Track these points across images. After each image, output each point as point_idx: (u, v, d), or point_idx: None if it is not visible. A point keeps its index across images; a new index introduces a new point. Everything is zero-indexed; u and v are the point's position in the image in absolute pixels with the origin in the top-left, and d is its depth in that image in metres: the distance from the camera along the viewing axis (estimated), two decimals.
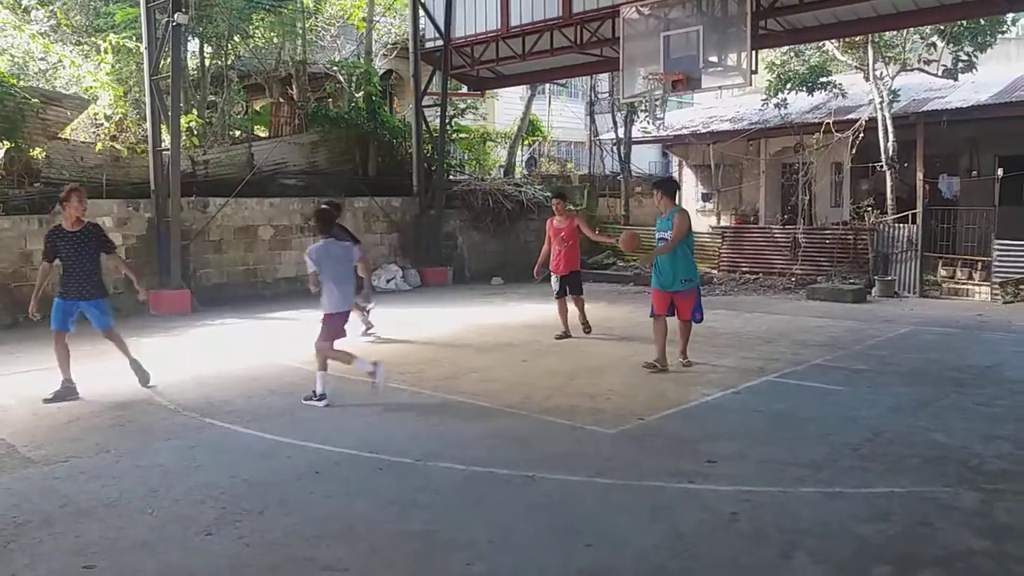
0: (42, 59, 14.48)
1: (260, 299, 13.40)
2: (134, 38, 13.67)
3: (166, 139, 12.28)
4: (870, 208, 16.68)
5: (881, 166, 15.98)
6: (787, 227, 17.17)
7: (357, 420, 6.29)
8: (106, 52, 13.59)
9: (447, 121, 17.17)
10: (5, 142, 11.78)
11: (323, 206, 7.94)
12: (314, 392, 6.72)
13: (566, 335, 9.72)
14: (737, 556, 3.76)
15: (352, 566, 3.70)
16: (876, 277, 14.32)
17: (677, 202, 8.08)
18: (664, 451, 5.33)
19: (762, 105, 19.24)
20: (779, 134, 19.26)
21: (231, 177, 13.83)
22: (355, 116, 16.58)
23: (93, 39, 14.98)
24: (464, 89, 19.57)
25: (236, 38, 16.62)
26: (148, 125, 12.63)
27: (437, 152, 16.74)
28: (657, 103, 12.34)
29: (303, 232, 14.45)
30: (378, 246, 15.69)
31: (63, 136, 12.95)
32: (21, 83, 12.66)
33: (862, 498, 4.44)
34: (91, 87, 13.63)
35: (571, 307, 9.96)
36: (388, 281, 15.28)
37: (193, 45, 16.06)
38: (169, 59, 12.22)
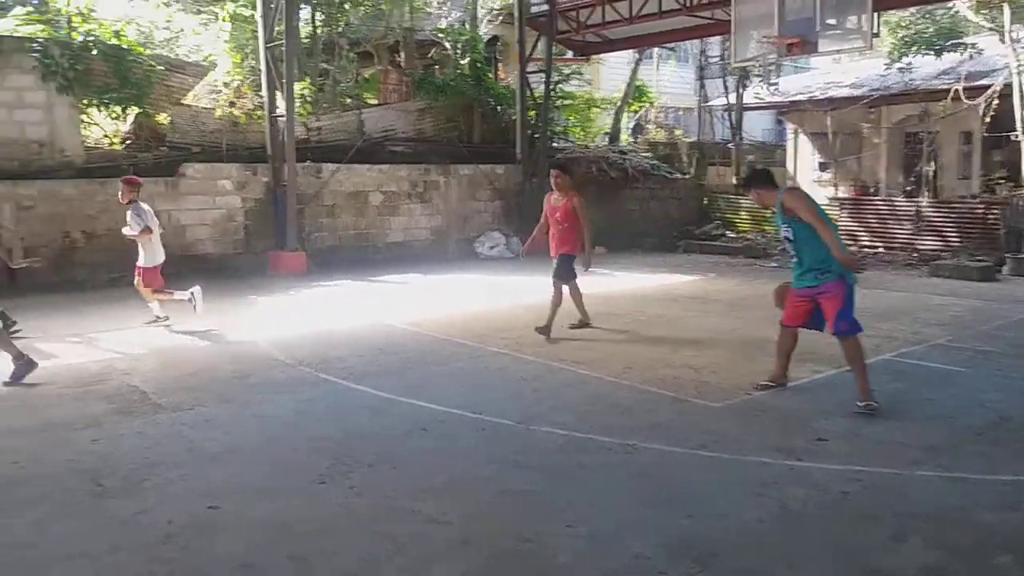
0: (166, 28, 15.20)
1: (370, 262, 13.78)
2: (250, 6, 14.15)
3: (281, 105, 12.72)
4: (1003, 180, 15.61)
5: (1016, 136, 14.89)
6: (910, 199, 16.30)
7: (462, 381, 6.42)
8: (224, 20, 14.13)
9: (551, 87, 17.05)
10: (134, 108, 12.49)
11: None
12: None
13: (583, 324, 8.28)
14: (846, 536, 3.65)
15: (455, 520, 3.81)
16: (1007, 254, 13.42)
17: (781, 187, 6.08)
18: (771, 427, 5.21)
19: (885, 70, 18.23)
20: (903, 101, 18.22)
21: (342, 143, 14.22)
22: (460, 83, 16.69)
23: (212, 8, 15.62)
24: (569, 55, 19.38)
25: (346, 6, 16.96)
26: (264, 92, 13.10)
27: (541, 119, 16.67)
28: (770, 68, 11.83)
29: (410, 198, 14.74)
30: (481, 213, 15.83)
31: (185, 102, 13.60)
32: (147, 51, 13.35)
33: (985, 484, 4.22)
34: (210, 55, 14.22)
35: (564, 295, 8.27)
36: (491, 248, 15.42)
37: (306, 13, 16.50)
38: (283, 27, 12.62)
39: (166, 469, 4.51)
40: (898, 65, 17.48)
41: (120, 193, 8.62)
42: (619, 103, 21.43)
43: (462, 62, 17.55)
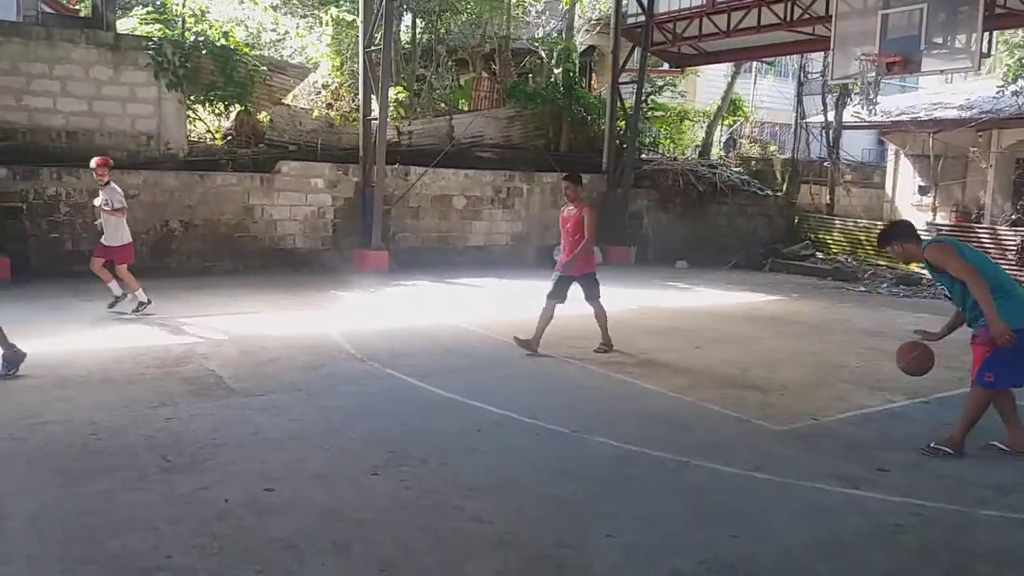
0: (273, 30, 15.88)
1: (450, 264, 14.01)
2: (353, 12, 14.64)
3: (375, 109, 13.10)
4: None
5: None
6: (1016, 227, 15.45)
7: (523, 386, 6.48)
8: (327, 24, 14.66)
9: (643, 98, 16.95)
10: (236, 105, 13.10)
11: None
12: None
13: (527, 345, 7.54)
14: (895, 569, 3.53)
15: (497, 520, 3.87)
16: None
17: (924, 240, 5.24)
18: (833, 454, 5.06)
19: (998, 92, 17.34)
20: (1016, 125, 17.29)
21: (432, 147, 14.53)
22: (551, 92, 16.79)
23: (316, 12, 16.23)
24: (665, 66, 19.22)
25: (446, 13, 17.33)
26: (360, 95, 13.52)
27: (630, 129, 16.60)
28: (870, 85, 11.45)
29: (493, 204, 14.92)
30: None
31: (285, 102, 14.17)
32: (253, 52, 13.99)
33: None
34: (312, 57, 14.77)
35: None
36: None
37: (406, 20, 16.95)
38: (382, 32, 13.00)
39: (230, 450, 4.73)
40: (1012, 88, 16.59)
41: (96, 173, 8.73)
42: (712, 116, 21.11)
43: (555, 71, 17.66)
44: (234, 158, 12.56)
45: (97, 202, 8.87)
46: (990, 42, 12.58)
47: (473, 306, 10.37)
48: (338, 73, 14.89)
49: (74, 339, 7.51)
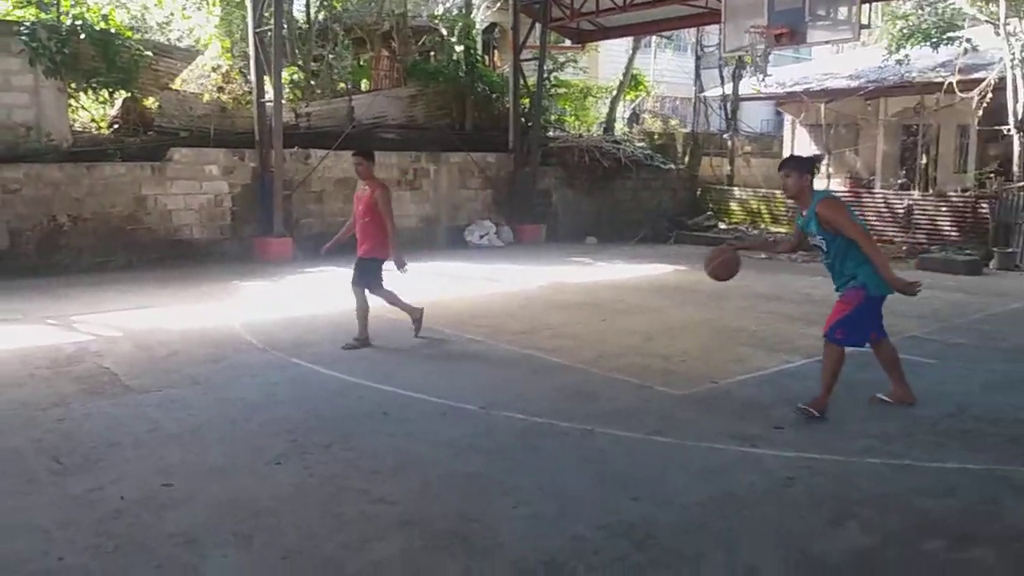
0: (158, 10, 15.18)
1: (430, 246, 13.74)
2: None
3: (269, 91, 12.73)
4: (993, 175, 15.57)
5: (1008, 130, 14.86)
6: (901, 193, 16.27)
7: (430, 367, 6.47)
8: (214, 4, 14.11)
9: (546, 75, 17.02)
10: (121, 92, 12.50)
11: None
12: None
13: (358, 343, 7.04)
14: (785, 520, 3.70)
15: (402, 500, 3.87)
16: (995, 249, 13.43)
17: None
18: (731, 415, 5.25)
19: (882, 62, 18.16)
20: (900, 93, 18.17)
21: (332, 130, 14.22)
22: (453, 70, 16.67)
23: None
24: (567, 43, 19.32)
25: None
26: (252, 77, 13.10)
27: (534, 107, 16.66)
28: (761, 58, 11.81)
29: (399, 186, 14.73)
30: (472, 202, 15.84)
31: (174, 87, 13.61)
32: (139, 36, 13.35)
33: (931, 472, 4.26)
34: (201, 39, 14.21)
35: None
36: (481, 237, 15.44)
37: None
38: (273, 11, 12.61)
39: (126, 448, 4.56)
40: (895, 57, 17.40)
41: None
42: (615, 92, 21.39)
43: (456, 49, 17.52)
44: (122, 147, 11.99)
45: None
46: (871, 14, 13.12)
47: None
48: (228, 55, 14.37)
49: None
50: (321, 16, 16.77)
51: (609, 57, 24.60)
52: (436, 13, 19.08)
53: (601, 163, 17.31)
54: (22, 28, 11.45)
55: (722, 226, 18.02)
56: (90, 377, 6.02)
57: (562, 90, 19.90)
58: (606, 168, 17.41)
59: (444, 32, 18.17)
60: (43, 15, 12.63)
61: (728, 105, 21.26)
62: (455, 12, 19.21)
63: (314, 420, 5.07)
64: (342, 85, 16.80)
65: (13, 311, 8.39)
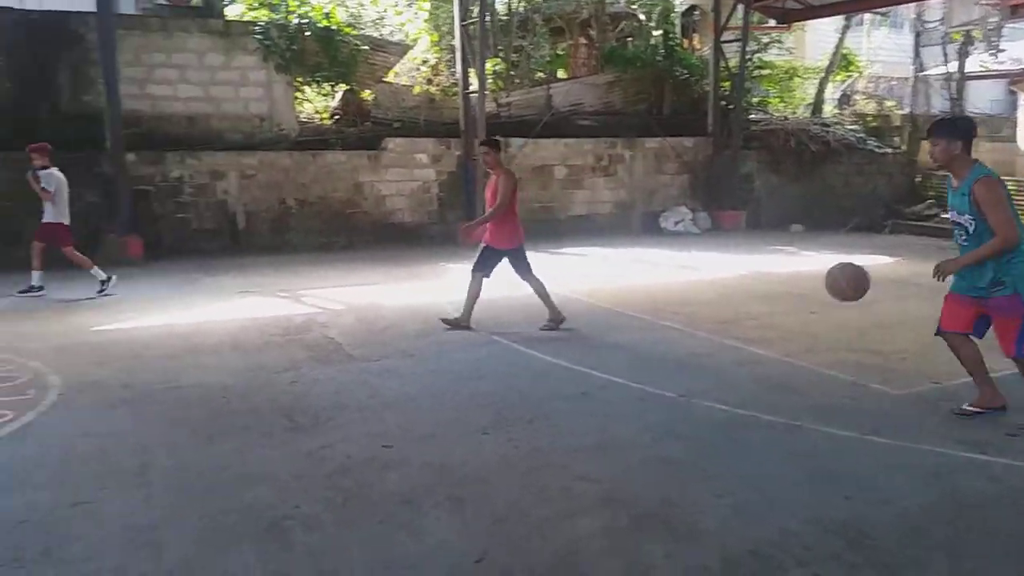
0: (373, 7, 16.20)
1: (552, 234, 14.01)
2: None
3: (474, 82, 13.22)
4: None
5: None
6: None
7: (628, 352, 6.48)
8: (423, 0, 14.84)
9: (748, 57, 16.38)
10: (341, 85, 13.49)
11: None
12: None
13: (456, 323, 7.16)
14: (1017, 530, 3.38)
15: (603, 479, 3.93)
16: None
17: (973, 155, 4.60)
18: (957, 418, 4.85)
19: None
20: None
21: (531, 118, 14.54)
22: (650, 55, 16.45)
23: None
24: (771, 23, 18.47)
25: None
26: (458, 69, 13.66)
27: (736, 90, 16.09)
28: (989, 31, 10.61)
29: (595, 172, 14.82)
30: (668, 187, 15.61)
31: (387, 79, 14.48)
32: (354, 32, 14.33)
33: None
34: (411, 34, 15.01)
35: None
36: (677, 223, 15.18)
37: None
38: (478, 5, 13.06)
39: (350, 411, 4.98)
40: None
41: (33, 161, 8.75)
42: (824, 72, 20.17)
43: (654, 33, 17.28)
44: (342, 137, 12.97)
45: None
46: None
47: (576, 274, 10.40)
48: (437, 49, 15.08)
49: (204, 311, 8.03)
50: (521, 7, 17.15)
51: (817, 36, 23.17)
52: None
53: (808, 147, 16.43)
54: (257, 28, 12.67)
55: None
56: (317, 346, 6.61)
57: (765, 71, 19.04)
58: (814, 152, 16.50)
59: (642, 17, 17.99)
60: (273, 16, 13.87)
61: (953, 85, 19.41)
62: None
63: (516, 396, 5.26)
64: (540, 74, 17.11)
65: (252, 285, 9.36)
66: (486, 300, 8.25)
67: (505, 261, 7.20)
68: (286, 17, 13.39)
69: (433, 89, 14.10)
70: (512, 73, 15.82)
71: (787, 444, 4.45)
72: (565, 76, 17.44)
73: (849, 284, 5.29)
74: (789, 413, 4.90)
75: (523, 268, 7.20)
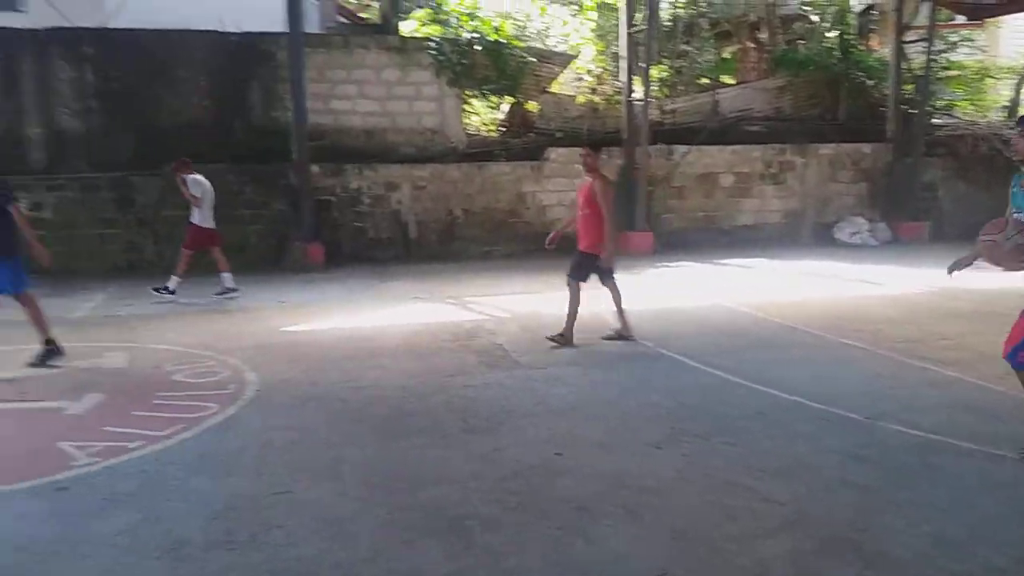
0: (540, 20, 16.49)
1: (716, 245, 13.70)
2: None
3: (638, 90, 13.13)
4: None
5: None
6: None
7: (805, 370, 6.19)
8: (589, 10, 14.93)
9: (933, 57, 15.27)
10: (508, 97, 13.80)
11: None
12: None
13: (561, 340, 6.95)
14: None
15: (787, 500, 3.78)
16: None
17: None
18: None
19: None
20: None
21: (695, 125, 14.26)
22: (825, 57, 15.70)
23: None
24: (959, 19, 17.14)
25: None
26: (622, 77, 13.62)
27: (919, 92, 15.04)
28: None
29: (763, 180, 14.32)
30: (843, 196, 14.80)
31: (552, 90, 14.66)
32: (521, 44, 14.63)
33: None
34: (575, 44, 15.14)
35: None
36: (853, 235, 14.37)
37: None
38: (645, 12, 12.98)
39: (519, 417, 5.08)
40: None
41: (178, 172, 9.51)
42: (1021, 73, 18.47)
43: (829, 35, 16.48)
44: (507, 148, 13.26)
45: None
46: None
47: (744, 287, 10.08)
48: (601, 58, 15.11)
49: (380, 316, 8.45)
50: (686, 12, 16.88)
51: (1014, 32, 21.25)
52: None
53: (1003, 152, 15.08)
54: (431, 44, 13.20)
55: None
56: (486, 351, 6.79)
57: (953, 72, 17.68)
58: (1008, 158, 15.12)
59: (815, 19, 17.21)
60: (443, 31, 14.40)
61: None
62: None
63: (687, 411, 5.17)
64: (705, 80, 16.75)
65: (423, 291, 9.76)
66: (651, 312, 8.17)
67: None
68: (457, 32, 13.88)
69: (597, 98, 14.14)
70: (676, 79, 15.58)
71: (988, 474, 4.11)
72: (732, 81, 16.97)
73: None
74: (989, 441, 4.52)
75: (607, 274, 7.10)
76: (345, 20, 15.90)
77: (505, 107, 14.02)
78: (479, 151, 13.30)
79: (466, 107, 14.00)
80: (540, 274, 10.95)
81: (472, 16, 14.33)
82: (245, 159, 12.11)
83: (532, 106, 14.03)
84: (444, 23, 14.44)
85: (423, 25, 14.89)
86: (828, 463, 4.26)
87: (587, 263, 7.02)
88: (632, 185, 13.18)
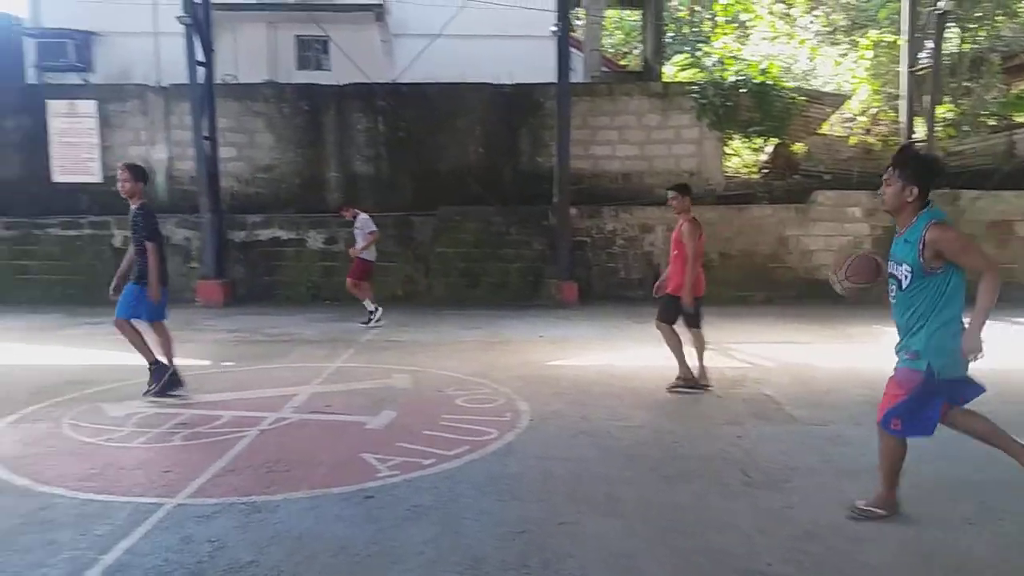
0: (806, 60, 15.89)
1: (1012, 300, 12.11)
2: (892, 32, 13.87)
3: (919, 130, 12.17)
4: None
5: None
6: None
7: None
8: (865, 48, 14.15)
9: None
10: (773, 138, 13.39)
11: None
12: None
13: (683, 383, 6.83)
14: None
15: None
16: None
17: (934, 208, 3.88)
18: None
19: None
20: None
21: (986, 168, 12.90)
22: None
23: (852, 37, 15.75)
24: None
25: (999, 17, 15.33)
26: (902, 117, 12.70)
27: None
28: None
29: None
30: None
31: (821, 132, 14.02)
32: (787, 85, 14.16)
33: None
34: (846, 83, 14.39)
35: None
36: None
37: (952, 31, 15.43)
38: (927, 50, 12.06)
39: (802, 474, 4.81)
40: None
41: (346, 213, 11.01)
42: None
43: None
44: (769, 190, 12.84)
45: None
46: None
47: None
48: (876, 98, 14.23)
49: (636, 355, 8.48)
50: (971, 47, 15.43)
51: None
52: None
53: None
54: (694, 88, 13.20)
55: None
56: (754, 401, 6.54)
57: None
58: None
59: None
60: (703, 74, 14.34)
61: None
62: None
63: (1001, 486, 4.60)
64: (992, 120, 15.15)
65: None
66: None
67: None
68: (721, 75, 13.77)
69: (871, 139, 13.30)
70: (960, 119, 14.24)
71: None
72: None
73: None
74: None
75: (694, 319, 6.94)
76: (607, 69, 16.37)
77: (769, 149, 13.62)
78: (738, 193, 13.00)
79: (725, 148, 13.79)
80: (804, 323, 10.45)
81: (736, 58, 14.16)
82: (511, 201, 12.80)
83: (798, 148, 13.50)
84: (702, 67, 14.39)
85: (681, 70, 14.96)
86: None
87: (672, 305, 6.92)
88: None
